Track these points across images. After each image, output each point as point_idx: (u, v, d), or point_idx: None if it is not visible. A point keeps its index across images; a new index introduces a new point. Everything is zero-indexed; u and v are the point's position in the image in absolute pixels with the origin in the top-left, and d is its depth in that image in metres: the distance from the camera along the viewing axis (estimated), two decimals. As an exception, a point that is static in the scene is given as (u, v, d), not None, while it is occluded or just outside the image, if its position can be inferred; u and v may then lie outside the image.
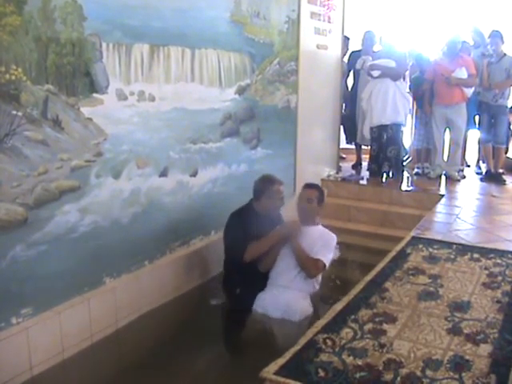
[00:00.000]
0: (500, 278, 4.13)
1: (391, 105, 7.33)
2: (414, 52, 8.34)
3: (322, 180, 7.46)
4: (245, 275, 4.29)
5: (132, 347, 3.95)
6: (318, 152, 7.33)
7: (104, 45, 3.79)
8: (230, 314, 4.35)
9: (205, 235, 5.08)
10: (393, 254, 4.64)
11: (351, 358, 2.92)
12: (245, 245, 4.29)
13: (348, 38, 8.07)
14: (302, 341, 3.11)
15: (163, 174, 4.48)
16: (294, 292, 4.16)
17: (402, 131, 7.73)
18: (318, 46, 6.94)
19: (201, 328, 4.06)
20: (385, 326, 3.30)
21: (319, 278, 4.33)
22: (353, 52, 8.33)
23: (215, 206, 5.16)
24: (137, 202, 4.23)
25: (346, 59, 8.22)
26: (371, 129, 7.49)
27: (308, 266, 4.14)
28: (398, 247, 4.80)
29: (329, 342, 3.09)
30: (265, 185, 4.60)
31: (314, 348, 3.03)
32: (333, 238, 4.31)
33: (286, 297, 4.12)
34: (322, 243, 4.23)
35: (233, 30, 5.17)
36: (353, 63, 8.10)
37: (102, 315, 3.94)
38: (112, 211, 4.02)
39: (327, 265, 4.16)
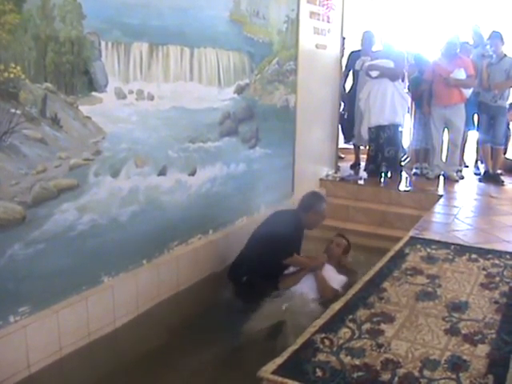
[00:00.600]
0: (498, 278, 4.14)
1: (389, 105, 7.35)
2: (412, 52, 8.35)
3: (321, 180, 7.47)
4: (262, 271, 4.53)
5: (130, 346, 3.95)
6: (316, 152, 7.33)
7: (103, 43, 3.78)
8: (229, 311, 4.33)
9: (203, 234, 5.08)
10: (391, 254, 4.65)
11: (349, 357, 2.93)
12: (290, 251, 4.59)
13: (344, 38, 8.06)
14: (300, 340, 3.12)
15: (162, 172, 4.48)
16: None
17: (400, 132, 7.76)
18: (317, 46, 6.94)
19: (199, 326, 4.06)
20: (383, 326, 3.31)
21: None
22: (352, 52, 8.32)
23: (214, 205, 5.16)
24: (135, 200, 4.23)
25: (344, 59, 8.20)
26: (369, 129, 7.50)
27: (325, 292, 4.43)
28: (397, 247, 4.81)
29: (327, 342, 3.10)
30: (316, 200, 4.94)
31: (311, 348, 3.04)
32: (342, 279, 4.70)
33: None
34: (338, 278, 4.69)
35: (232, 30, 5.16)
36: (352, 64, 8.09)
37: (100, 314, 3.93)
38: (110, 210, 4.01)
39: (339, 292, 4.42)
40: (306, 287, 4.43)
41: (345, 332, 3.23)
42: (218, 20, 4.93)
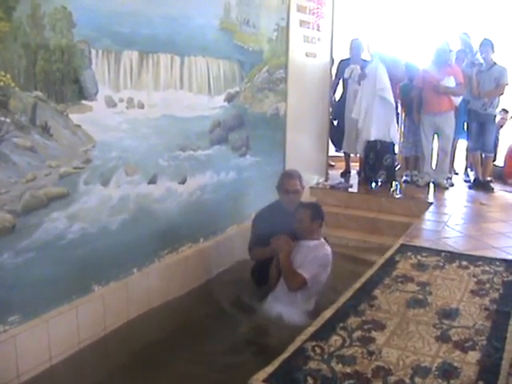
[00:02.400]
0: (488, 285, 4.15)
1: (383, 121, 7.40)
2: (402, 60, 8.38)
3: (311, 188, 7.47)
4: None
5: (120, 355, 3.92)
6: (306, 159, 7.33)
7: (93, 51, 3.78)
8: (219, 320, 4.33)
9: (193, 243, 5.07)
10: (381, 261, 4.65)
11: (340, 365, 2.92)
12: (256, 239, 4.52)
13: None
14: (291, 348, 3.10)
15: (152, 181, 4.47)
16: (287, 306, 4.15)
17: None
18: (306, 54, 6.97)
19: (189, 335, 4.04)
20: (373, 334, 3.30)
21: (312, 300, 4.28)
22: (341, 61, 8.34)
23: (204, 213, 5.15)
24: (125, 209, 4.22)
25: (334, 68, 8.24)
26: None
27: (288, 279, 4.13)
28: (387, 255, 4.80)
29: (317, 350, 3.09)
30: (280, 179, 4.79)
31: (302, 355, 3.02)
32: (324, 256, 4.25)
33: (278, 309, 4.14)
34: (312, 257, 4.18)
35: (222, 38, 5.17)
36: (342, 72, 8.11)
37: (90, 323, 3.92)
38: (100, 218, 4.00)
39: (308, 280, 4.08)
40: (285, 307, 4.20)
41: (336, 340, 3.22)
42: (208, 28, 4.94)
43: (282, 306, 4.15)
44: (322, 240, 4.39)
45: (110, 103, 3.99)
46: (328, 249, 4.30)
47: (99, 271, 4.05)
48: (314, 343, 3.16)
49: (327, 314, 3.57)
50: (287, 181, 4.69)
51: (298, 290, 4.15)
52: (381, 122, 7.44)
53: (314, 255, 4.20)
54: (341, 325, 3.41)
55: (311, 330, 3.34)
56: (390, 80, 7.41)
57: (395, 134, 7.70)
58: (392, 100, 7.44)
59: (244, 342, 3.99)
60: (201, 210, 5.11)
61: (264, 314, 4.20)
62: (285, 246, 4.22)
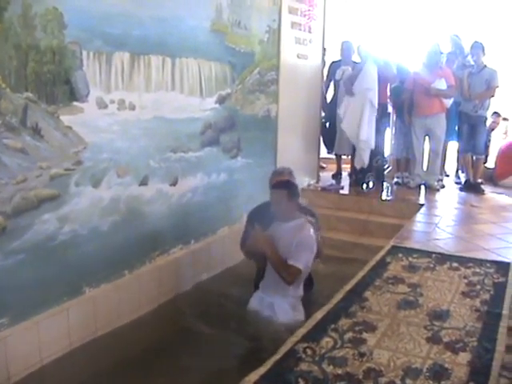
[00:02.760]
0: (479, 286, 4.16)
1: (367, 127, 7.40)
2: (394, 62, 8.39)
3: (302, 189, 7.45)
4: None
5: (111, 357, 3.90)
6: (298, 161, 7.32)
7: (84, 53, 3.78)
8: (210, 321, 4.32)
9: (184, 244, 5.06)
10: (372, 263, 4.65)
11: (331, 367, 2.92)
12: (248, 235, 4.30)
13: (324, 49, 8.12)
14: (283, 350, 3.10)
15: (143, 182, 4.47)
16: (278, 298, 4.06)
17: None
18: (298, 56, 6.98)
19: (181, 337, 4.04)
20: (364, 335, 3.31)
21: (301, 285, 4.15)
22: (333, 62, 8.36)
23: (195, 215, 5.15)
24: (116, 210, 4.21)
25: (326, 69, 8.26)
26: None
27: (283, 274, 3.95)
28: (378, 256, 4.81)
29: (309, 351, 3.09)
30: (271, 175, 4.62)
31: (294, 357, 3.03)
32: (308, 237, 4.04)
33: (270, 300, 4.08)
34: (297, 242, 3.97)
35: (213, 40, 5.17)
36: (333, 73, 8.12)
37: (81, 325, 3.91)
38: (91, 220, 3.99)
39: (302, 268, 3.92)
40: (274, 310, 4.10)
41: (327, 341, 3.22)
42: (199, 30, 4.94)
43: (273, 297, 4.08)
44: (302, 218, 4.17)
45: (101, 105, 3.98)
46: (309, 228, 4.09)
47: (90, 273, 4.03)
48: (305, 345, 3.16)
49: (318, 315, 3.58)
50: (277, 177, 4.66)
51: (295, 282, 4.01)
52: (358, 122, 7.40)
53: (299, 240, 3.98)
54: (332, 326, 3.41)
55: (302, 331, 3.35)
56: (380, 81, 7.40)
57: (370, 136, 7.61)
58: (375, 102, 7.42)
59: (236, 344, 3.98)
60: (192, 212, 5.11)
61: (255, 311, 4.15)
62: (265, 246, 4.02)
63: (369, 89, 7.25)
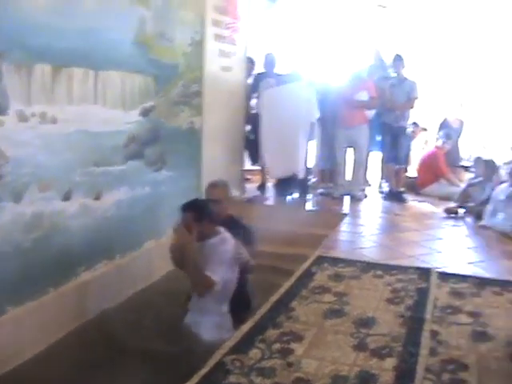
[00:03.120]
0: (403, 293, 4.28)
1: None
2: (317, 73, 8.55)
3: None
4: None
5: (38, 378, 3.79)
6: (223, 173, 7.30)
7: (4, 65, 3.67)
8: (138, 337, 4.25)
9: (109, 260, 4.97)
10: (299, 273, 4.72)
11: (260, 378, 2.95)
12: None
13: (253, 62, 8.20)
14: (210, 363, 3.11)
15: (66, 197, 4.37)
16: (203, 316, 4.02)
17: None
18: (222, 68, 7.00)
19: (110, 354, 3.96)
20: (292, 345, 3.35)
21: (224, 301, 4.11)
22: (258, 74, 8.44)
23: (120, 229, 5.07)
24: (39, 226, 4.10)
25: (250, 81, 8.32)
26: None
27: (196, 280, 3.89)
28: (304, 266, 4.88)
29: (237, 363, 3.11)
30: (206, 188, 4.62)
31: (222, 370, 3.05)
32: (224, 252, 3.96)
33: (196, 320, 4.03)
34: (216, 256, 3.91)
35: (137, 52, 5.12)
36: (257, 85, 8.18)
37: (4, 346, 3.78)
38: (13, 236, 3.87)
39: (217, 281, 3.78)
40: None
41: (255, 352, 3.25)
42: (122, 42, 4.89)
43: (199, 315, 4.04)
44: (223, 234, 4.08)
45: (22, 118, 3.88)
46: (230, 243, 4.03)
47: (12, 291, 3.91)
48: (233, 357, 3.18)
49: (246, 327, 3.60)
50: (210, 190, 4.62)
51: (206, 294, 3.90)
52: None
53: (218, 254, 3.92)
54: (260, 337, 3.45)
55: (230, 343, 3.36)
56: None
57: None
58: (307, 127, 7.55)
59: (164, 360, 3.94)
60: (117, 226, 5.02)
61: (187, 326, 4.09)
62: (184, 240, 3.89)
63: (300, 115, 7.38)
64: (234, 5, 7.08)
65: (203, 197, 4.64)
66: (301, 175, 7.71)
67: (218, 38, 6.80)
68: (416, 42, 11.17)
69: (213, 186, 4.62)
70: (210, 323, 4.01)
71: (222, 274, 3.85)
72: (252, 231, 4.53)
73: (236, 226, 4.35)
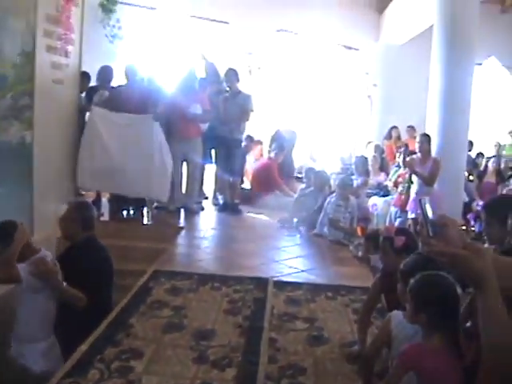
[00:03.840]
0: (240, 303, 4.38)
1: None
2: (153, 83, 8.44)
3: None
4: None
5: None
6: (56, 189, 7.09)
7: None
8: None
9: None
10: (135, 289, 4.68)
11: (99, 399, 2.89)
12: None
13: (89, 77, 8.04)
14: (47, 389, 3.00)
15: None
16: (28, 346, 3.76)
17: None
18: (54, 81, 6.76)
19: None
20: (132, 363, 3.33)
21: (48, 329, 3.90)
22: (90, 87, 8.27)
23: None
24: None
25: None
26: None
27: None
28: (141, 282, 4.85)
29: (75, 387, 3.03)
30: None
31: (60, 395, 2.94)
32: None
33: (19, 351, 3.75)
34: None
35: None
36: (90, 99, 8.01)
37: None
38: None
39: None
40: None
41: (93, 373, 3.19)
42: None
43: (22, 345, 3.77)
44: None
45: None
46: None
47: None
48: (71, 380, 3.09)
49: (83, 347, 3.50)
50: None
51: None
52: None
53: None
54: (98, 357, 3.38)
55: (67, 366, 3.27)
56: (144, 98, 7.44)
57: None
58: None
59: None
60: None
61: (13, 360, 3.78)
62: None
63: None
64: (67, 15, 6.86)
65: None
66: (163, 199, 7.58)
67: (50, 49, 6.55)
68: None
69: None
70: (34, 352, 3.76)
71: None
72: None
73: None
